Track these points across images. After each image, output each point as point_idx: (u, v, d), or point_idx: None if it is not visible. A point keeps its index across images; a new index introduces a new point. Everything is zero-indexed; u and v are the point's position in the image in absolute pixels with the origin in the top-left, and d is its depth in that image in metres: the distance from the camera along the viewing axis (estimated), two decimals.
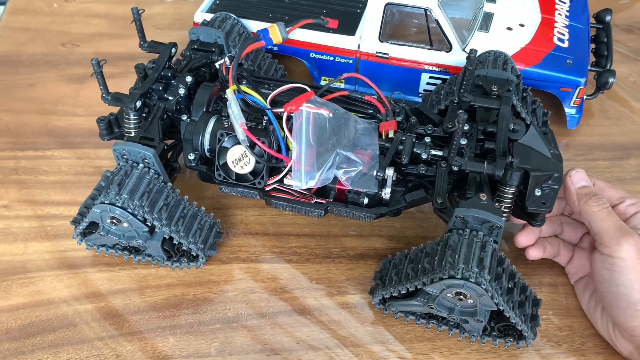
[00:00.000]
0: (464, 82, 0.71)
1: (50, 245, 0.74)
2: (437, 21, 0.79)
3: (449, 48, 0.81)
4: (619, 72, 0.88)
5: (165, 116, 0.70)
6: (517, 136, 0.64)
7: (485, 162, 0.63)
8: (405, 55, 0.82)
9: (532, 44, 0.82)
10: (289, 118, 0.65)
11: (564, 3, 0.90)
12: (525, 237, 0.67)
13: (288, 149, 0.65)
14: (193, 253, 0.69)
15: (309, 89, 0.68)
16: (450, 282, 0.56)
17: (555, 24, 0.86)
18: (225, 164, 0.66)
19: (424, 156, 0.65)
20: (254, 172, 0.66)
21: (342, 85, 0.88)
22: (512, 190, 0.62)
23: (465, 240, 0.58)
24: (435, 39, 0.81)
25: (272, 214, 0.77)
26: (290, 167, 0.64)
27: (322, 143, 0.64)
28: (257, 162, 0.65)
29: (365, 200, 0.66)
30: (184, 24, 1.03)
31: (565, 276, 0.71)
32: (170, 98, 0.70)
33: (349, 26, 0.85)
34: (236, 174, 0.66)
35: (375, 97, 0.69)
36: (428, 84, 0.84)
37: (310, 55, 0.87)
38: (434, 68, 0.82)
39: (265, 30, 0.79)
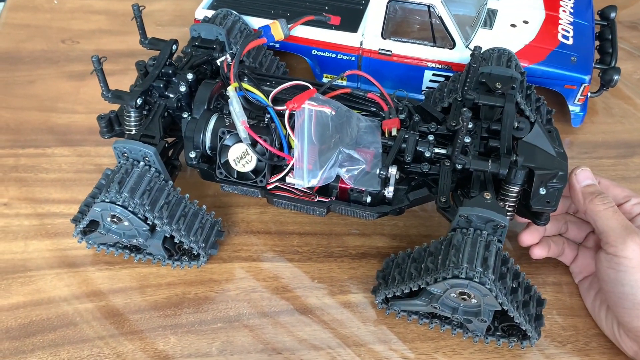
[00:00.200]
0: (468, 80, 0.70)
1: (51, 243, 0.73)
2: (440, 18, 0.78)
3: (452, 45, 0.80)
4: (623, 69, 0.87)
5: (166, 114, 0.70)
6: (521, 134, 0.64)
7: (490, 161, 0.62)
8: (408, 53, 0.82)
9: (536, 41, 0.82)
10: (291, 116, 0.65)
11: (569, 0, 0.89)
12: (529, 236, 0.67)
13: (290, 147, 0.65)
14: (194, 252, 0.69)
15: (311, 87, 0.67)
16: (454, 281, 0.56)
17: (560, 21, 0.85)
18: (227, 162, 0.65)
19: (427, 154, 0.65)
20: (256, 170, 0.65)
21: (345, 83, 0.87)
22: (516, 188, 0.62)
23: (469, 240, 0.57)
24: (438, 36, 0.80)
25: (274, 213, 0.77)
26: (292, 166, 0.64)
27: (325, 141, 0.63)
28: (258, 160, 0.64)
29: (368, 199, 0.65)
30: (185, 21, 1.02)
31: (570, 275, 0.70)
32: (171, 95, 0.69)
33: (351, 23, 0.85)
34: (238, 172, 0.66)
35: (378, 94, 0.68)
36: (431, 81, 0.84)
37: (312, 53, 0.86)
38: (437, 65, 0.82)
39: (266, 27, 0.79)
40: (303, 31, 0.85)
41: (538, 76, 0.80)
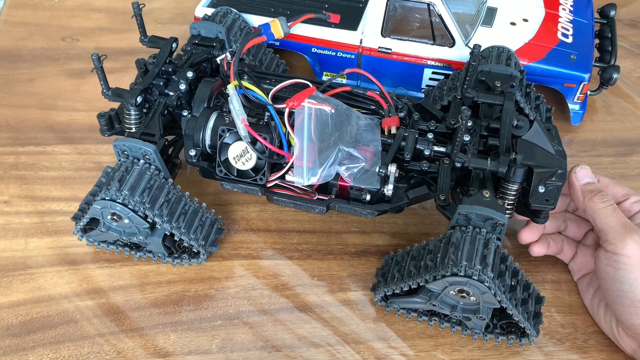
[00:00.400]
0: (467, 78, 0.70)
1: (51, 241, 0.74)
2: (440, 16, 0.78)
3: (452, 43, 0.80)
4: (623, 67, 0.87)
5: (166, 112, 0.70)
6: (520, 132, 0.64)
7: (489, 159, 0.62)
8: (408, 51, 0.82)
9: (535, 39, 0.82)
10: (291, 114, 0.65)
11: None
12: (529, 234, 0.67)
13: (290, 145, 0.65)
14: (194, 249, 0.69)
15: (310, 85, 0.67)
16: (453, 279, 0.56)
17: (559, 19, 0.85)
18: (227, 160, 0.65)
19: (426, 152, 0.65)
20: (256, 168, 0.65)
21: (344, 81, 0.88)
22: (515, 187, 0.62)
23: (468, 238, 0.57)
24: (438, 34, 0.80)
25: (274, 211, 0.77)
26: (292, 164, 0.64)
27: (324, 139, 0.64)
28: (258, 158, 0.64)
29: (368, 197, 0.65)
30: (185, 19, 1.02)
31: (569, 273, 0.70)
32: (171, 93, 0.69)
33: (351, 21, 0.85)
34: (237, 170, 0.66)
35: (378, 92, 0.68)
36: (431, 79, 0.84)
37: (312, 50, 0.86)
38: (437, 63, 0.82)
39: (266, 25, 0.79)
40: (303, 29, 0.85)
41: (537, 74, 0.80)
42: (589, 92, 0.85)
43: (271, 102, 0.66)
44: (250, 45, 0.76)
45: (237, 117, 0.63)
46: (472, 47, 0.74)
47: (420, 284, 0.60)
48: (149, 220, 0.64)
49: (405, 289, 0.61)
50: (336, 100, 0.66)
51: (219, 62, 0.71)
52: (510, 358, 0.64)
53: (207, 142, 0.67)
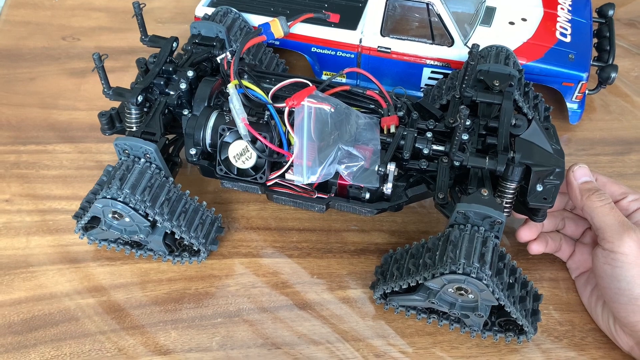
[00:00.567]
0: (466, 77, 0.71)
1: (52, 239, 0.74)
2: (439, 15, 0.79)
3: (450, 43, 0.80)
4: (621, 66, 0.88)
5: (166, 111, 0.70)
6: (518, 131, 0.64)
7: (487, 158, 0.63)
8: (407, 50, 0.82)
9: (534, 38, 0.82)
10: (291, 113, 0.65)
11: None
12: (527, 232, 0.67)
13: (289, 144, 0.65)
14: (194, 248, 0.69)
15: (310, 84, 0.68)
16: (452, 277, 0.57)
17: (558, 19, 0.85)
18: (227, 158, 0.66)
19: (425, 151, 0.65)
20: (256, 167, 0.66)
21: (344, 80, 0.88)
22: (513, 185, 0.62)
23: (466, 236, 0.58)
24: (437, 34, 0.80)
25: (274, 209, 0.77)
26: (292, 162, 0.64)
27: (324, 138, 0.64)
28: (258, 157, 0.65)
29: (367, 195, 0.66)
30: (185, 18, 1.03)
31: (566, 271, 0.71)
32: (172, 93, 0.70)
33: (350, 20, 0.85)
34: (238, 168, 0.66)
35: (377, 91, 0.69)
36: (430, 78, 0.84)
37: (312, 50, 0.87)
38: (436, 63, 0.82)
39: (266, 25, 0.79)
40: (302, 29, 0.85)
41: (536, 73, 0.80)
42: (587, 91, 0.85)
43: (271, 101, 0.66)
44: (250, 45, 0.76)
45: (237, 116, 0.64)
46: (470, 46, 0.74)
47: (419, 282, 0.60)
48: (149, 218, 0.65)
49: (404, 286, 0.61)
50: (336, 100, 0.66)
51: (219, 61, 0.71)
52: (508, 355, 0.64)
53: (208, 140, 0.67)
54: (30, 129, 0.86)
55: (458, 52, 0.80)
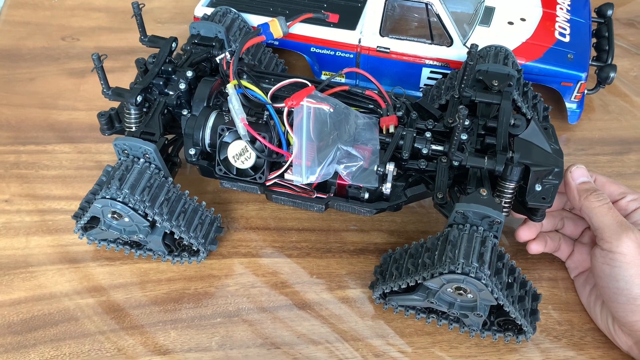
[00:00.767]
0: (465, 77, 0.71)
1: (52, 239, 0.74)
2: (438, 15, 0.79)
3: (450, 42, 0.80)
4: (620, 66, 0.88)
5: (165, 111, 0.70)
6: (517, 131, 0.64)
7: (486, 157, 0.63)
8: (406, 50, 0.82)
9: (533, 38, 0.82)
10: (290, 113, 0.65)
11: None
12: (526, 232, 0.67)
13: (289, 144, 0.65)
14: (194, 248, 0.69)
15: (309, 84, 0.68)
16: (451, 277, 0.57)
17: (557, 19, 0.85)
18: (226, 158, 0.66)
19: (424, 151, 0.65)
20: (255, 167, 0.66)
21: (343, 80, 0.88)
22: (512, 185, 0.62)
23: (465, 235, 0.58)
24: (436, 34, 0.80)
25: (273, 209, 0.77)
26: (291, 162, 0.64)
27: (323, 138, 0.64)
28: (257, 157, 0.65)
29: (366, 195, 0.66)
30: (185, 18, 1.03)
31: (565, 271, 0.71)
32: (171, 93, 0.70)
33: (349, 20, 0.85)
34: (237, 168, 0.66)
35: (376, 91, 0.69)
36: (429, 78, 0.84)
37: (311, 50, 0.87)
38: (435, 63, 0.82)
39: (265, 25, 0.79)
40: (302, 29, 0.85)
41: (535, 73, 0.80)
42: (586, 91, 0.85)
43: (270, 101, 0.66)
44: (250, 45, 0.76)
45: (237, 116, 0.64)
46: (469, 46, 0.74)
47: (418, 282, 0.60)
48: (149, 218, 0.65)
49: (404, 286, 0.61)
50: (335, 100, 0.66)
51: (218, 61, 0.71)
52: (507, 355, 0.64)
53: (207, 141, 0.67)
54: (30, 129, 0.86)
55: (457, 52, 0.81)
